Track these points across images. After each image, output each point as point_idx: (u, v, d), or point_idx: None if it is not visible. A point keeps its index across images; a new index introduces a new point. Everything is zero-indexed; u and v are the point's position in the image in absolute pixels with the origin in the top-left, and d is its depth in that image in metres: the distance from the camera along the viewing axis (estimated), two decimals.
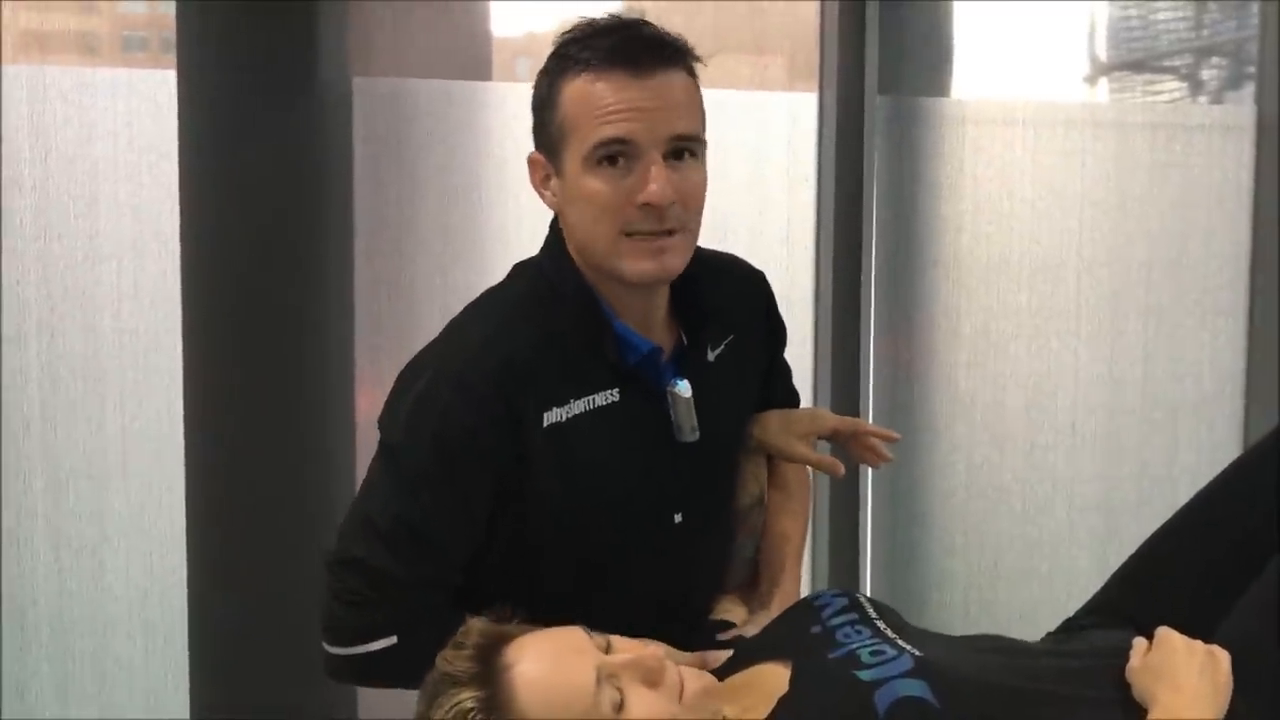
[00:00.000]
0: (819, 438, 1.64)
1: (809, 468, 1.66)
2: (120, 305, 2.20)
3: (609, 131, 1.29)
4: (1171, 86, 3.55)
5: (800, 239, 2.52)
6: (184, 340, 2.12)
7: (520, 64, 2.53)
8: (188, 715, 2.19)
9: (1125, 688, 1.26)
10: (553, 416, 1.34)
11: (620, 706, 1.14)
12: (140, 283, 2.20)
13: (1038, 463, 2.71)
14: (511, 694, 1.13)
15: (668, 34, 1.35)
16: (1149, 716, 1.22)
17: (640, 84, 1.29)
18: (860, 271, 2.53)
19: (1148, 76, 3.55)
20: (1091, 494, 2.74)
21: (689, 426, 1.42)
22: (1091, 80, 3.29)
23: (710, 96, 1.41)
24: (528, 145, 2.32)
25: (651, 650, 1.19)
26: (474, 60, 2.46)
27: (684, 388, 1.41)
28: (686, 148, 1.32)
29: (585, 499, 1.37)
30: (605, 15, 1.35)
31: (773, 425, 1.60)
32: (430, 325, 2.30)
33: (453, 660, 1.16)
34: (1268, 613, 1.31)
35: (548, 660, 1.15)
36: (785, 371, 1.68)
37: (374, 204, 2.28)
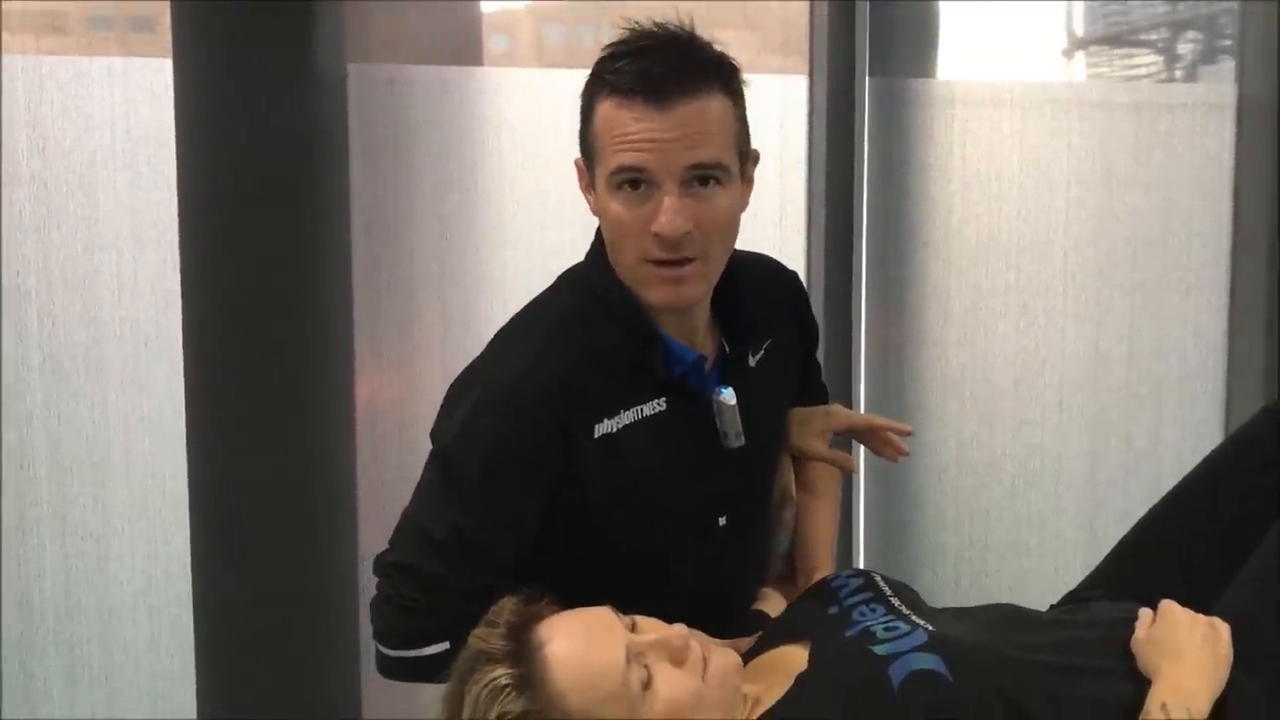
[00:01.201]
0: (835, 433, 1.68)
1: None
2: (120, 294, 2.21)
3: (625, 160, 1.30)
4: (1148, 60, 3.60)
5: (792, 221, 2.54)
6: (184, 328, 2.13)
7: (496, 41, 2.54)
8: (194, 699, 2.21)
9: (1130, 659, 1.31)
10: (604, 428, 1.36)
11: (648, 683, 1.18)
12: (140, 272, 2.21)
13: (1026, 438, 2.75)
14: (545, 671, 1.16)
15: (705, 55, 1.33)
16: (1153, 687, 1.26)
17: (662, 114, 1.28)
18: (852, 253, 2.56)
19: (1124, 50, 3.59)
20: (1078, 468, 2.79)
21: (734, 433, 1.44)
22: (1069, 54, 3.33)
23: None
24: (523, 131, 2.36)
25: (676, 629, 1.22)
26: (468, 46, 2.47)
27: (729, 395, 1.43)
28: (710, 175, 1.32)
29: (635, 506, 1.40)
30: (653, 25, 1.34)
31: (790, 424, 1.63)
32: (429, 312, 2.34)
33: (486, 638, 1.19)
34: (1265, 585, 1.35)
35: (579, 639, 1.19)
36: (816, 368, 1.71)
37: (371, 191, 2.29)
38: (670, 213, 1.29)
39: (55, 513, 2.22)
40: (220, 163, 2.09)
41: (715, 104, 1.32)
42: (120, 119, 2.18)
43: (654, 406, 1.39)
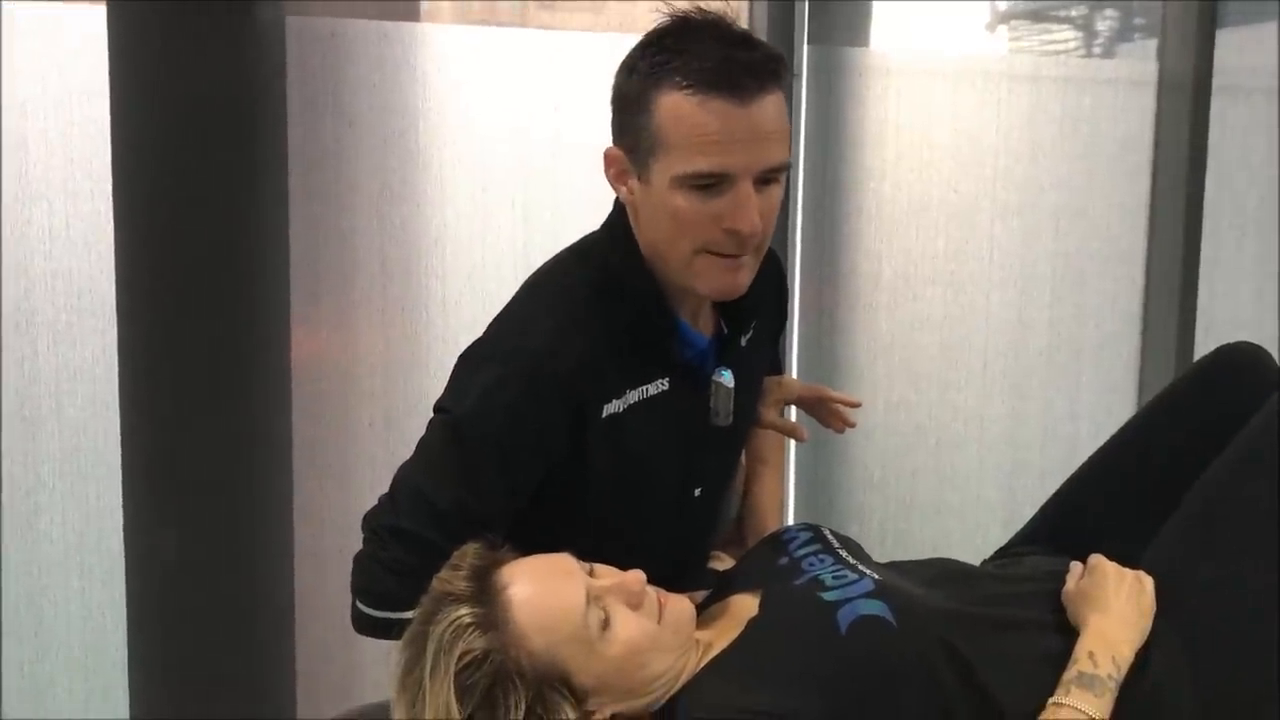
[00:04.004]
0: (786, 404, 1.73)
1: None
2: (52, 246, 2.17)
3: (707, 164, 1.28)
4: (1067, 36, 3.69)
5: None
6: (117, 281, 2.11)
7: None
8: (126, 655, 2.20)
9: (1062, 610, 1.37)
10: (611, 408, 1.39)
11: (606, 624, 1.21)
12: (73, 223, 2.18)
13: (950, 401, 2.83)
14: (507, 612, 1.19)
15: (765, 49, 1.32)
16: (1080, 637, 1.32)
17: (741, 112, 1.27)
18: (787, 217, 2.60)
19: (1044, 25, 3.68)
20: (1000, 431, 2.87)
21: (725, 413, 1.47)
22: (991, 27, 3.40)
23: None
24: (464, 88, 2.35)
25: (633, 574, 1.26)
26: (406, 1, 2.46)
27: (728, 378, 1.46)
28: (775, 176, 1.33)
29: (627, 479, 1.43)
30: (696, 11, 1.32)
31: None
32: (367, 266, 2.34)
33: (450, 580, 1.21)
34: (1187, 539, 1.42)
35: (541, 582, 1.22)
36: (778, 347, 1.77)
37: (309, 144, 2.27)
38: (752, 211, 1.30)
39: None
40: (156, 114, 2.07)
41: (776, 100, 1.31)
42: (53, 68, 2.13)
43: (658, 386, 1.42)
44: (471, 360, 1.41)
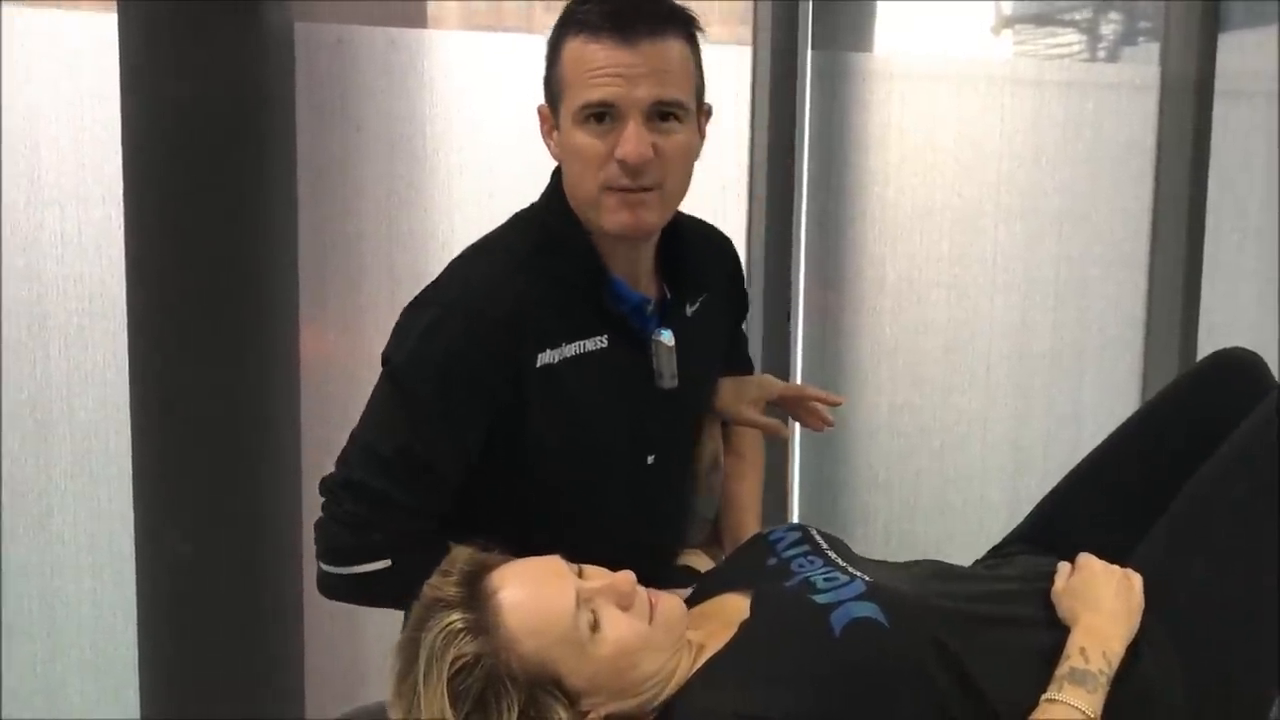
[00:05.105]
0: (767, 403, 1.74)
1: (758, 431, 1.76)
2: (64, 251, 2.20)
3: (593, 94, 1.37)
4: (1071, 40, 3.70)
5: (735, 189, 2.58)
6: (128, 285, 2.13)
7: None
8: (136, 655, 2.22)
9: (1051, 609, 1.38)
10: (546, 358, 1.42)
11: (596, 626, 1.23)
12: (84, 228, 2.20)
13: (954, 404, 2.84)
14: (498, 616, 1.20)
15: (667, 3, 1.41)
16: (1071, 634, 1.33)
17: (629, 50, 1.36)
18: (792, 221, 2.62)
19: (1049, 29, 3.69)
20: (1003, 433, 2.88)
21: (669, 374, 1.51)
22: (996, 31, 3.41)
23: None
24: (471, 93, 2.38)
25: (623, 575, 1.27)
26: (413, 8, 2.48)
27: (668, 336, 1.50)
28: (671, 112, 1.39)
29: (570, 438, 1.46)
30: None
31: (725, 391, 1.70)
32: (376, 272, 2.36)
33: (440, 586, 1.23)
34: (1178, 538, 1.44)
35: (531, 585, 1.23)
36: (743, 341, 1.80)
37: (318, 150, 2.30)
38: (634, 140, 1.37)
39: None
40: (166, 119, 2.08)
41: (677, 46, 1.40)
42: (64, 73, 2.16)
43: (596, 343, 1.46)
44: (414, 309, 1.46)
